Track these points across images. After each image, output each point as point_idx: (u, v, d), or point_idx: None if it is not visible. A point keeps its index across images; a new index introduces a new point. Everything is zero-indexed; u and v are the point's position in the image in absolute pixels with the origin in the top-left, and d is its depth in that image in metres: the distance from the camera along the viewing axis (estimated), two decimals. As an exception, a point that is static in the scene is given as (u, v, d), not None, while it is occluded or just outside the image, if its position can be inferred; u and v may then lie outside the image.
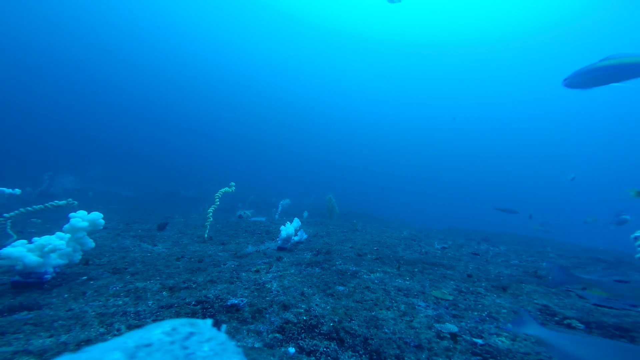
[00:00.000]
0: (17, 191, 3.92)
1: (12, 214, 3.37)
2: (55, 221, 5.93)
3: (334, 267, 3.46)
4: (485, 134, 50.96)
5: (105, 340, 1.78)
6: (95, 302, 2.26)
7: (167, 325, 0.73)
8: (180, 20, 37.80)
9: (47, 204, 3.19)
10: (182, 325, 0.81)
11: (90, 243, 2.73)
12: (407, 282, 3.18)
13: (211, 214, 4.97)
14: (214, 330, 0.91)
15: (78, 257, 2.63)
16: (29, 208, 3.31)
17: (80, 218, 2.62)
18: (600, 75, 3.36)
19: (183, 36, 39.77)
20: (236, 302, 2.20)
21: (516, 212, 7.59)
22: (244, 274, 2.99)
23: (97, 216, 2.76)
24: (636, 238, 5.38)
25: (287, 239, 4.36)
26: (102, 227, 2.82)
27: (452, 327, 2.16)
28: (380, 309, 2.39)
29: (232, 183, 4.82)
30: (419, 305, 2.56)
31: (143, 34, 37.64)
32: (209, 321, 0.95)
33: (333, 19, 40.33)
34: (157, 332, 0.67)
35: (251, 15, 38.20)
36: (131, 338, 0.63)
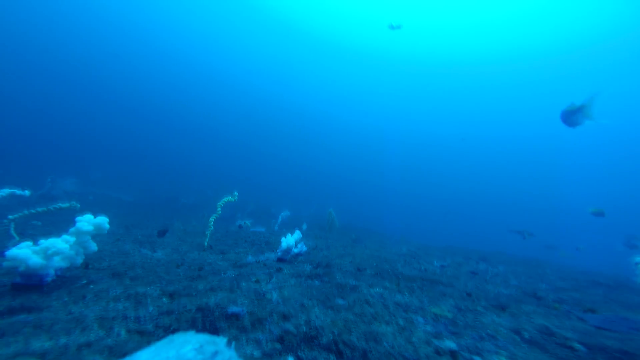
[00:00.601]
0: (27, 192, 3.97)
1: (16, 215, 3.41)
2: (55, 224, 5.94)
3: (334, 281, 3.46)
4: (485, 151, 51.38)
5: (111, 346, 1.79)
6: (96, 305, 2.27)
7: (194, 341, 0.79)
8: (183, 25, 38.78)
9: (50, 207, 3.23)
10: (207, 343, 0.88)
11: (93, 247, 2.75)
12: (406, 298, 3.18)
13: (212, 222, 4.99)
14: (232, 351, 0.98)
15: (80, 260, 2.64)
16: (32, 210, 3.34)
17: (87, 222, 2.65)
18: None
19: (186, 41, 40.71)
20: (236, 310, 2.20)
21: (532, 235, 7.43)
22: (244, 284, 2.99)
23: (102, 220, 2.79)
24: (637, 263, 5.38)
25: (288, 250, 4.37)
26: (106, 232, 2.85)
27: (451, 344, 2.16)
28: (380, 323, 2.38)
29: (235, 192, 4.86)
30: (418, 321, 2.56)
31: (146, 38, 38.54)
32: (224, 339, 1.01)
33: (341, 33, 41.48)
34: (188, 349, 0.72)
35: (258, 24, 39.34)
36: (167, 352, 0.68)
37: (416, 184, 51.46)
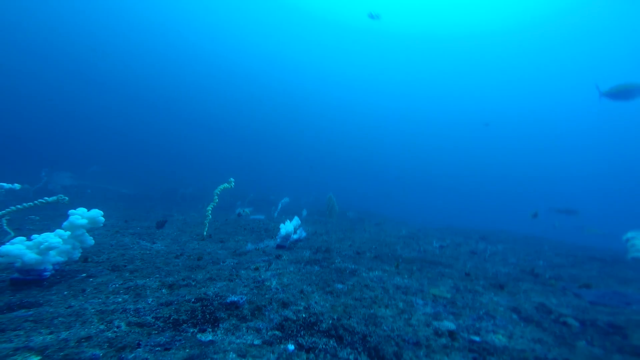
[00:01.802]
0: (17, 186, 3.91)
1: (4, 211, 3.36)
2: (53, 218, 5.92)
3: (333, 265, 3.48)
4: (485, 130, 50.90)
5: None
6: (95, 299, 2.27)
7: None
8: (178, 14, 37.50)
9: (36, 201, 3.19)
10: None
11: (90, 240, 2.73)
12: (405, 281, 3.20)
13: (210, 211, 4.97)
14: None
15: (77, 254, 2.63)
16: (19, 206, 3.28)
17: (80, 215, 2.62)
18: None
19: (181, 30, 39.45)
20: (235, 299, 2.21)
21: (576, 212, 7.45)
22: (243, 272, 3.00)
23: (96, 213, 2.76)
24: (628, 239, 5.45)
25: (287, 237, 4.37)
26: (102, 225, 2.82)
27: (450, 324, 2.19)
28: (379, 307, 2.41)
29: (231, 179, 4.82)
30: (418, 303, 2.58)
31: (141, 28, 37.36)
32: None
33: (343, 14, 40.05)
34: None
35: (251, 8, 37.96)
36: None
37: (416, 166, 51.41)
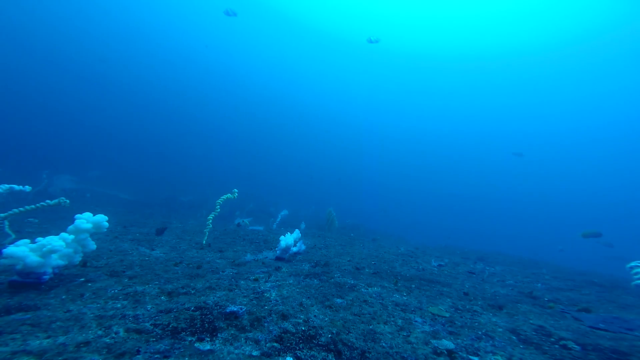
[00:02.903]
0: (27, 188, 3.93)
1: (5, 214, 3.38)
2: (52, 221, 5.91)
3: (332, 280, 3.47)
4: (485, 148, 51.35)
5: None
6: (94, 304, 2.26)
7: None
8: (180, 22, 38.38)
9: (38, 204, 3.21)
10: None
11: (92, 245, 2.74)
12: (404, 298, 3.19)
13: (211, 220, 4.98)
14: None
15: (78, 258, 2.64)
16: (21, 208, 3.30)
17: (85, 220, 2.64)
18: None
19: (183, 38, 40.30)
20: (235, 309, 2.21)
21: (600, 235, 7.43)
22: (242, 282, 3.00)
23: (101, 219, 2.79)
24: (631, 267, 5.45)
25: (286, 249, 4.37)
26: (105, 230, 2.85)
27: (448, 343, 2.18)
28: (378, 323, 2.40)
29: (235, 190, 4.86)
30: (416, 321, 2.57)
31: (143, 34, 38.17)
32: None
33: (341, 27, 41.24)
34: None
35: (253, 17, 38.97)
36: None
37: (415, 183, 51.55)
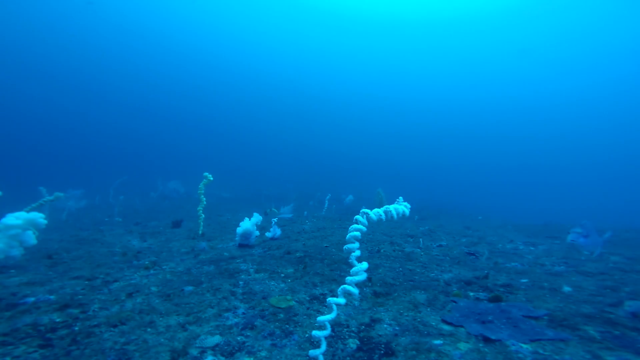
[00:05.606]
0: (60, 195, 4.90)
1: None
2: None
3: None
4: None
5: None
6: None
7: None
8: (178, 15, 39.16)
9: (41, 200, 3.84)
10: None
11: (32, 240, 3.12)
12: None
13: (201, 211, 5.07)
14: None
15: (16, 252, 3.04)
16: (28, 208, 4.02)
17: (15, 217, 3.02)
18: None
19: (182, 31, 41.02)
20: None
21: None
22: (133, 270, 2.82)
23: (36, 216, 3.13)
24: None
25: (245, 235, 3.98)
26: (43, 227, 3.20)
27: None
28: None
29: (206, 173, 4.74)
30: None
31: (141, 29, 39.81)
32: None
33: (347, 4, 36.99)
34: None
35: (249, 6, 38.23)
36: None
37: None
